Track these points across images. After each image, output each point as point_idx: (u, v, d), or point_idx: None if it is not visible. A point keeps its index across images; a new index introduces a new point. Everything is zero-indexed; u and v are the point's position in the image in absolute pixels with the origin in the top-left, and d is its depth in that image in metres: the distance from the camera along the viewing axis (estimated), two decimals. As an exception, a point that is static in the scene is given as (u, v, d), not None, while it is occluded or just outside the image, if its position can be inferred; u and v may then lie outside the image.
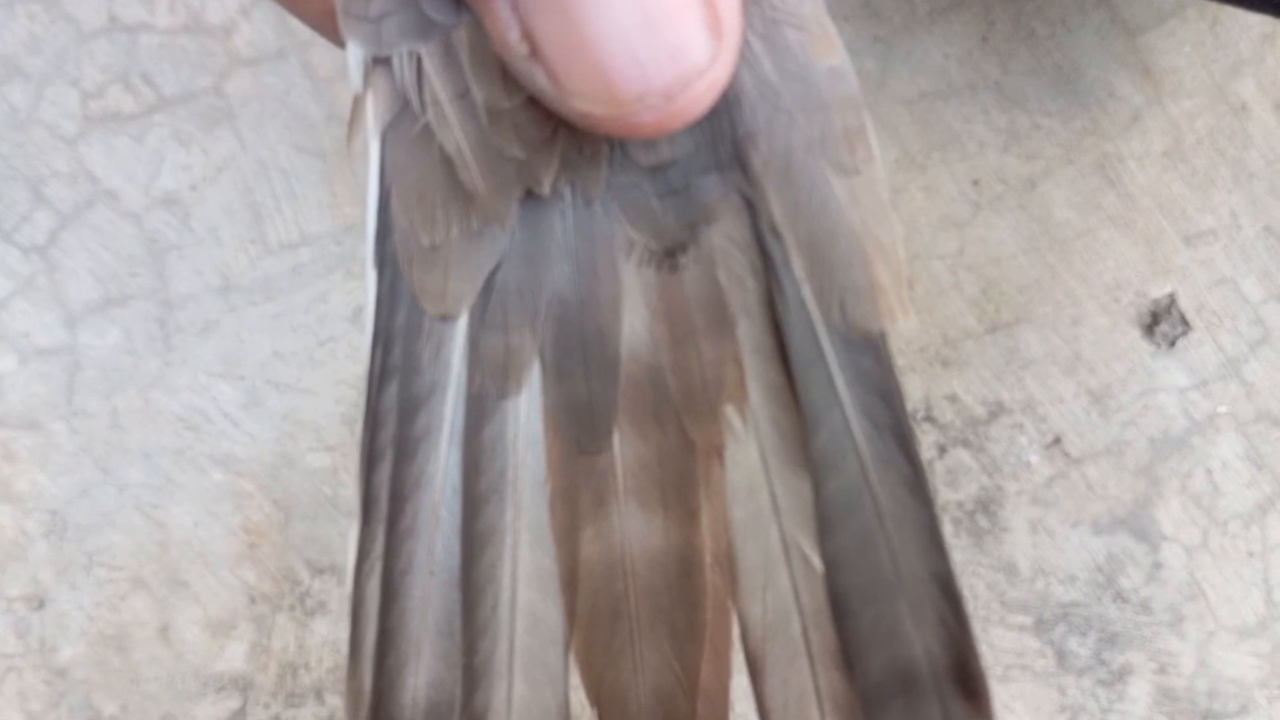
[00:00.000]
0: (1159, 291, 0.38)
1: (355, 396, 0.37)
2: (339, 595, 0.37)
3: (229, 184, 0.37)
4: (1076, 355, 0.38)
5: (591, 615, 0.21)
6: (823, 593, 0.20)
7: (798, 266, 0.20)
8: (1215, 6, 0.38)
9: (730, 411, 0.21)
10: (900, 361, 0.29)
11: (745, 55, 0.19)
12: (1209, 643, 0.37)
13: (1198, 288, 0.38)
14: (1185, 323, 0.38)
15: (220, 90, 0.38)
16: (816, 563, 0.20)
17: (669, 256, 0.21)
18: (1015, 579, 0.37)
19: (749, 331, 0.21)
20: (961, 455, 0.37)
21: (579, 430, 0.21)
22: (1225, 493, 0.38)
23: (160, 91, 0.37)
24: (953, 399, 0.37)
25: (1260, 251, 0.38)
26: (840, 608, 0.20)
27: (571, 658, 0.21)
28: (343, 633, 0.34)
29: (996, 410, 0.38)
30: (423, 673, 0.21)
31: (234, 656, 0.37)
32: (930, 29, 0.38)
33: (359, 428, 0.36)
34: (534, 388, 0.21)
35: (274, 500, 0.37)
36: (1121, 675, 0.37)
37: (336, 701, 0.37)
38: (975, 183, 0.38)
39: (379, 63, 0.19)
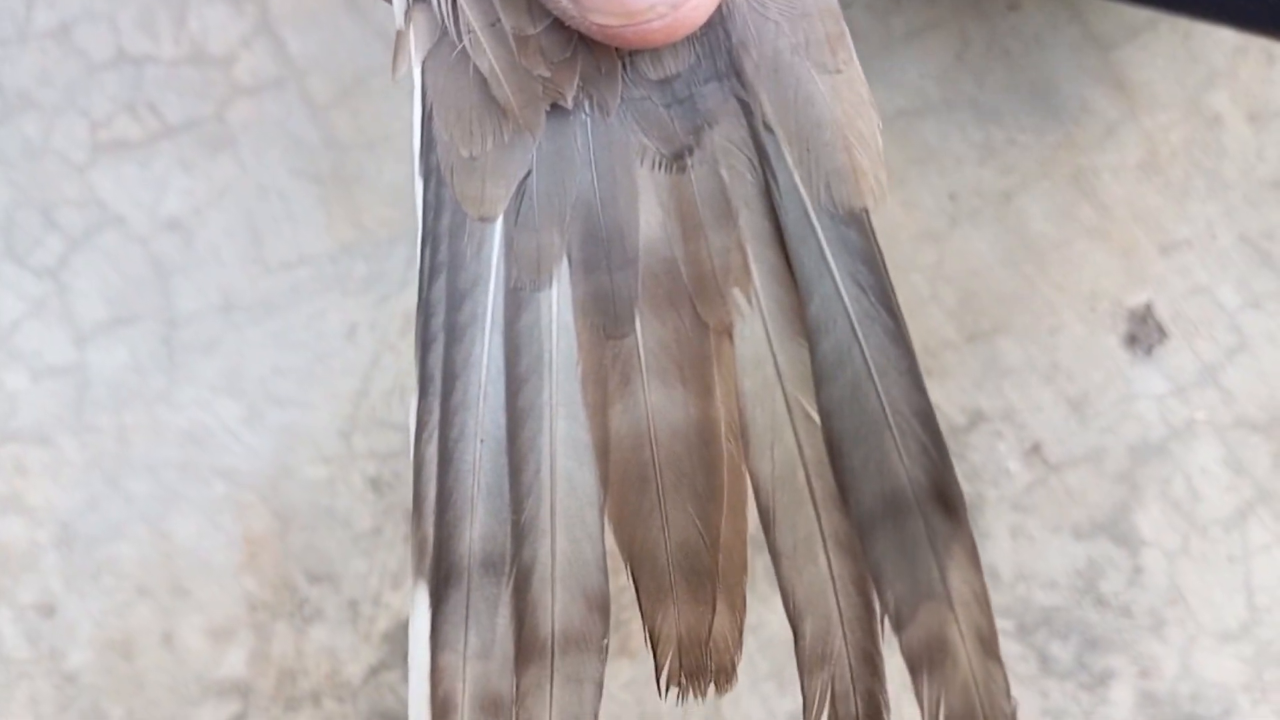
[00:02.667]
0: (1136, 300, 0.39)
1: (351, 410, 0.39)
2: (336, 603, 0.39)
3: (231, 207, 0.39)
4: (1055, 364, 0.39)
5: (623, 481, 0.24)
6: (822, 444, 0.24)
7: (789, 156, 0.23)
8: (1188, 21, 0.39)
9: (737, 294, 0.24)
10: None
11: None
12: (1191, 647, 0.38)
13: (1174, 296, 0.39)
14: (1162, 331, 0.39)
15: (222, 118, 0.40)
16: (816, 419, 0.24)
17: (677, 159, 0.24)
18: (997, 584, 0.38)
19: (750, 220, 0.24)
20: (941, 462, 0.38)
21: (604, 317, 0.24)
22: (1205, 498, 0.39)
23: (165, 120, 0.40)
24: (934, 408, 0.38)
25: (1236, 260, 0.39)
26: (835, 450, 0.24)
27: (606, 519, 0.24)
28: (340, 640, 0.38)
29: (976, 418, 0.39)
30: (477, 526, 0.24)
31: (235, 662, 0.38)
32: (907, 48, 0.40)
33: (355, 439, 0.39)
34: (563, 281, 0.24)
35: (274, 511, 0.39)
36: (1103, 679, 0.38)
37: (334, 706, 0.39)
38: (952, 197, 0.39)
39: (418, 1, 0.23)
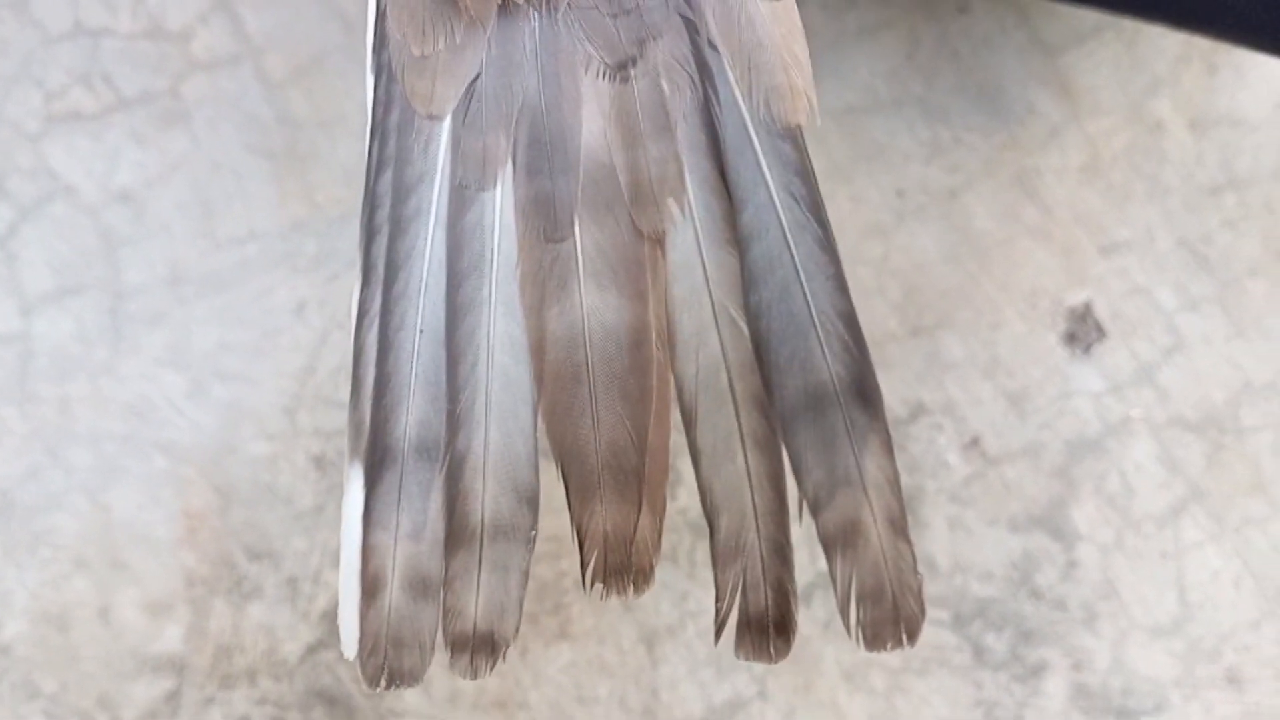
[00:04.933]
0: (1076, 299, 0.39)
1: (296, 388, 0.39)
2: (275, 581, 0.39)
3: (182, 182, 0.39)
4: (995, 359, 0.39)
5: (556, 380, 0.25)
6: (747, 350, 0.25)
7: (731, 72, 0.25)
8: (1133, 29, 0.40)
9: (671, 203, 0.25)
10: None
11: None
12: (1123, 641, 0.39)
13: (1113, 296, 0.39)
14: (1101, 330, 0.39)
15: (177, 93, 0.39)
16: (742, 324, 0.25)
17: (621, 69, 0.25)
18: (934, 575, 0.39)
19: (687, 133, 0.25)
20: (882, 453, 0.38)
21: (545, 220, 0.25)
22: (1139, 494, 0.39)
23: (120, 93, 0.39)
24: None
25: (1174, 263, 0.40)
26: (762, 348, 0.25)
27: (539, 416, 0.25)
28: (278, 618, 0.38)
29: (917, 411, 0.39)
30: (413, 412, 0.25)
31: (171, 638, 0.38)
32: (858, 46, 0.40)
33: (300, 416, 0.39)
34: (507, 183, 0.25)
35: (215, 487, 0.38)
36: (1037, 671, 0.39)
37: (269, 684, 0.39)
38: (899, 193, 0.40)
39: None
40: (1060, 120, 0.40)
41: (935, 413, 0.39)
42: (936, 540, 0.39)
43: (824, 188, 0.38)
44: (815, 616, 0.38)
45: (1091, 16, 0.40)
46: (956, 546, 0.39)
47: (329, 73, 0.40)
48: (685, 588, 0.38)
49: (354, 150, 0.39)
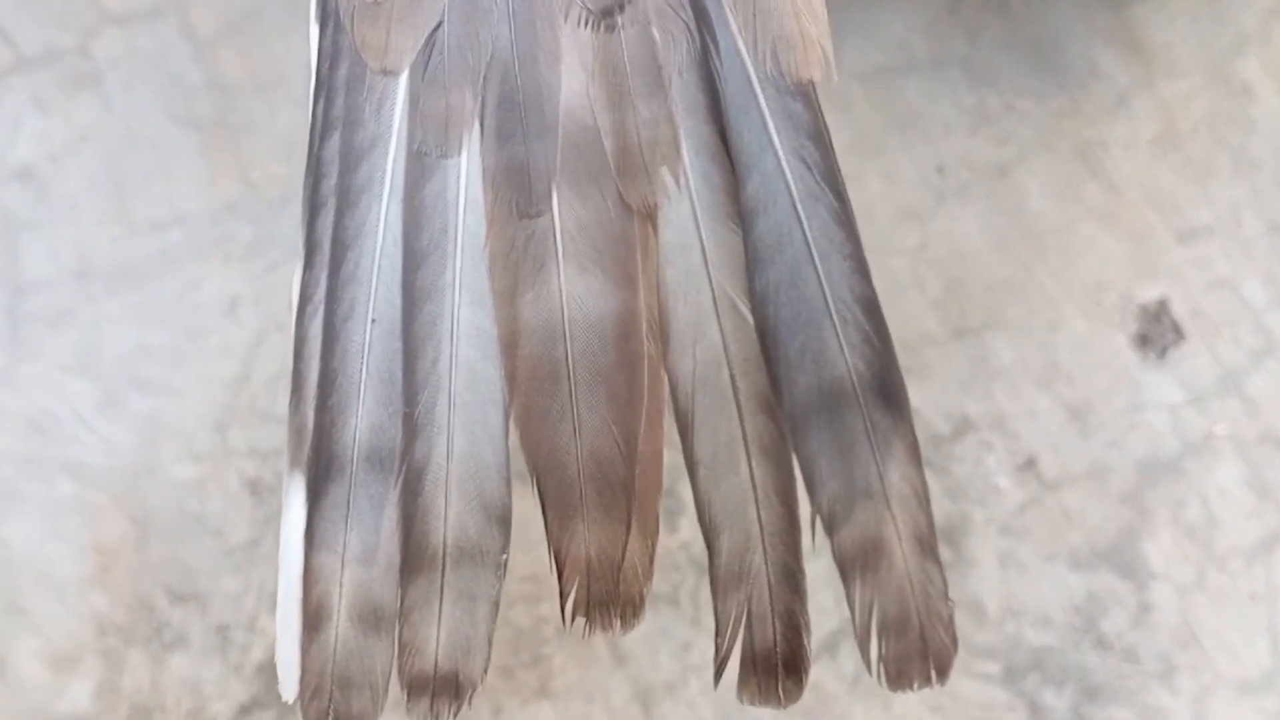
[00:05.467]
0: (1148, 294, 0.39)
1: (228, 399, 0.38)
2: (202, 628, 0.37)
3: (92, 155, 0.39)
4: (1053, 365, 0.38)
5: (531, 378, 0.24)
6: (752, 342, 0.25)
7: (733, 19, 0.25)
8: (1213, -24, 0.40)
9: (665, 172, 0.25)
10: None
11: None
12: (1206, 697, 0.37)
13: (1192, 291, 0.39)
14: (1178, 330, 0.38)
15: (86, 51, 0.39)
16: (746, 313, 0.25)
17: (606, 16, 0.24)
18: (982, 620, 0.37)
19: (682, 91, 0.25)
20: (921, 477, 0.38)
21: (518, 192, 0.24)
22: (1224, 524, 0.38)
23: (18, 50, 0.39)
24: (913, 413, 0.37)
25: (1264, 250, 0.39)
26: (768, 340, 0.25)
27: (510, 420, 0.24)
28: (205, 671, 0.37)
29: (962, 426, 0.39)
30: (364, 415, 0.25)
31: (78, 696, 0.37)
32: None
33: (232, 433, 0.38)
34: (474, 148, 0.24)
35: (131, 516, 0.37)
36: (1104, 734, 0.37)
37: (195, 751, 0.38)
38: (939, 169, 0.39)
39: None
40: (1129, 83, 0.39)
41: (983, 428, 0.38)
42: (984, 579, 0.37)
43: (849, 163, 0.39)
44: (842, 670, 0.36)
45: (1165, -38, 0.39)
46: (1008, 586, 0.37)
47: (266, 29, 0.39)
48: (688, 636, 0.37)
49: (296, 119, 0.39)
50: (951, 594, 0.36)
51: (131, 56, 0.38)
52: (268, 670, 0.37)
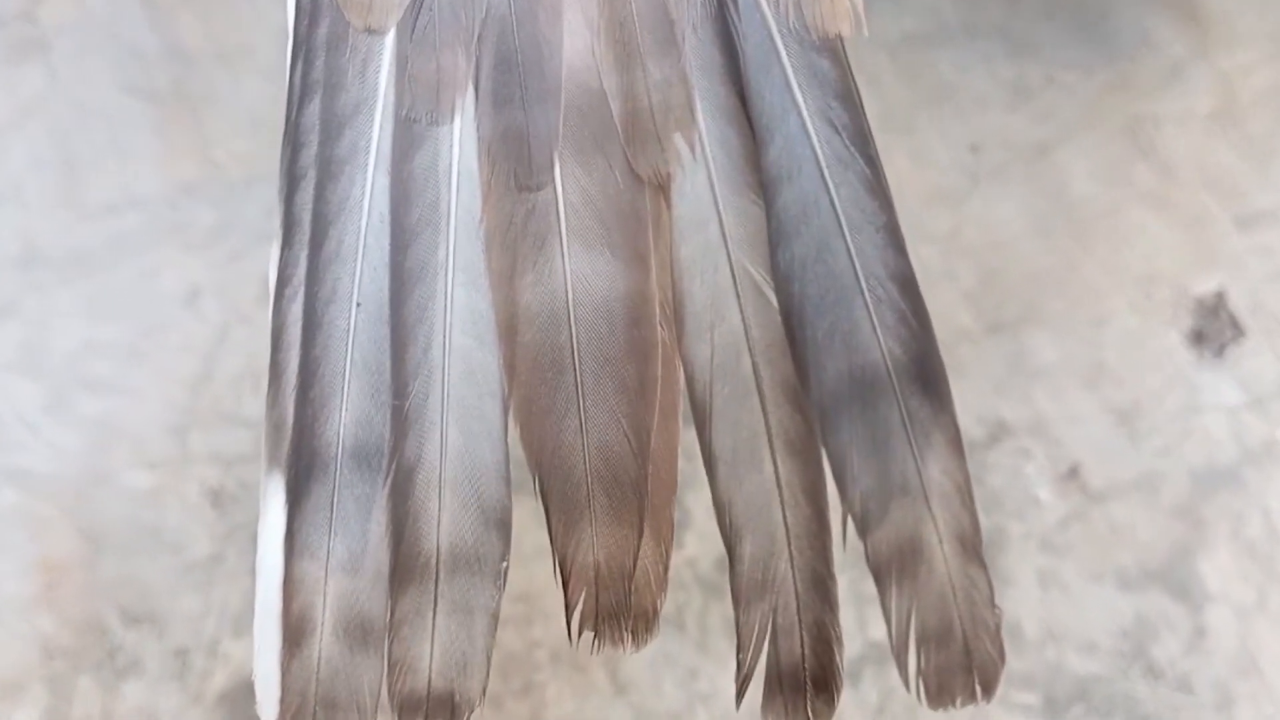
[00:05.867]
0: (1204, 287, 0.38)
1: (188, 400, 0.37)
2: (158, 652, 0.36)
3: (38, 131, 0.38)
4: (1099, 364, 0.38)
5: (532, 367, 0.24)
6: (775, 325, 0.24)
7: None
8: (1275, -64, 0.40)
9: (678, 139, 0.24)
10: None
11: None
12: None
13: (1253, 283, 0.38)
14: (1237, 326, 0.38)
15: (32, 16, 0.39)
16: (769, 292, 0.24)
17: None
18: (1020, 646, 0.37)
19: (697, 48, 0.24)
20: (953, 487, 0.37)
21: (516, 163, 0.24)
22: None
23: None
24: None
25: None
26: (794, 321, 0.24)
27: (510, 414, 0.24)
28: (162, 699, 0.36)
29: (998, 432, 0.38)
30: (349, 408, 0.24)
31: None
32: None
33: (192, 438, 0.37)
34: (468, 115, 0.24)
35: (80, 529, 0.37)
36: (1155, 773, 0.37)
37: (150, 787, 0.37)
38: (974, 148, 0.39)
39: None
40: (1184, 54, 0.39)
41: (1021, 434, 0.37)
42: (1024, 600, 0.37)
43: (876, 141, 0.37)
44: (865, 700, 0.36)
45: (1224, -79, 0.39)
46: (1050, 609, 0.37)
47: None
48: (694, 662, 0.36)
49: (262, 91, 0.39)
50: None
51: (82, 22, 0.38)
52: (230, 698, 0.36)
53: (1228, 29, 0.38)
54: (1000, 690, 0.35)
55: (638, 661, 0.35)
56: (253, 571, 0.37)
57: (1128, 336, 0.38)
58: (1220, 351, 0.38)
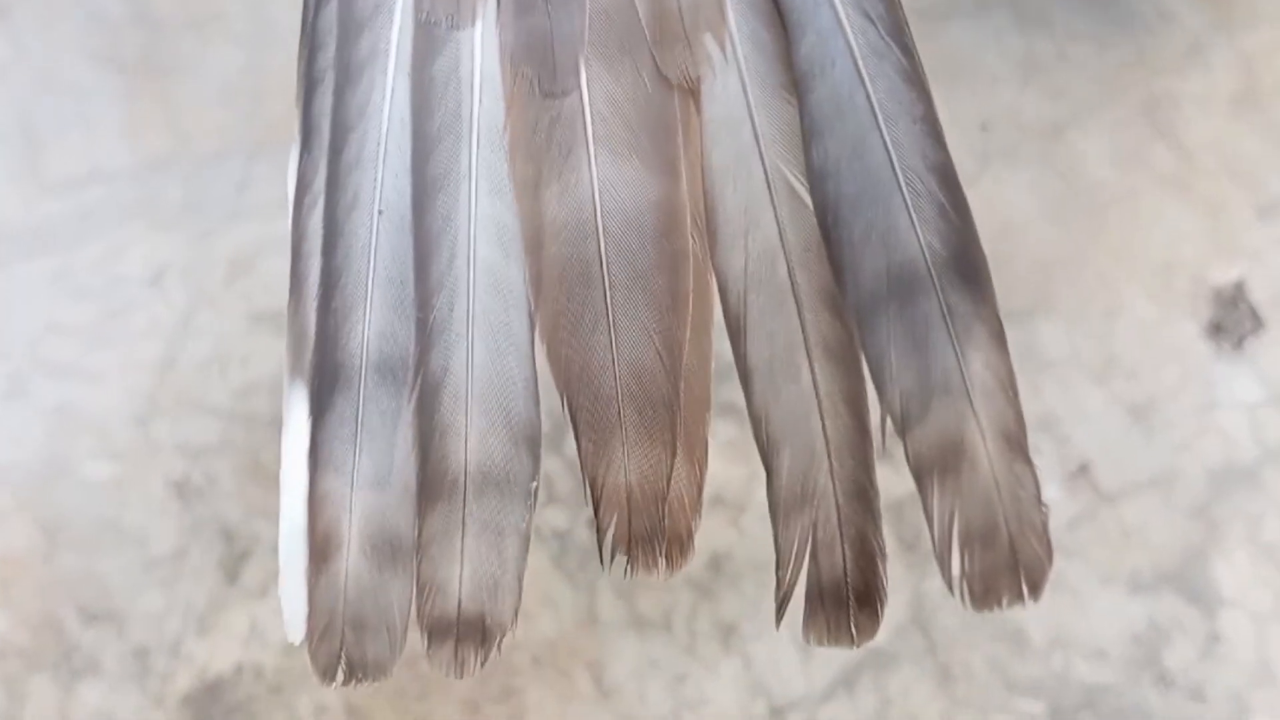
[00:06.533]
0: (1223, 276, 0.38)
1: (152, 386, 0.37)
2: (118, 651, 0.36)
3: (0, 101, 0.38)
4: (1111, 357, 0.37)
5: (559, 281, 0.24)
6: (811, 228, 0.24)
7: None
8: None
9: (708, 40, 0.24)
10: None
11: None
12: None
13: (1273, 273, 0.38)
14: (1257, 318, 0.37)
15: None
16: (804, 194, 0.24)
17: None
18: (1024, 651, 0.36)
19: None
20: (956, 485, 0.36)
21: (541, 68, 0.24)
22: None
23: None
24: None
25: None
26: (829, 221, 0.24)
27: (536, 329, 0.24)
28: (121, 701, 0.36)
29: None
30: (373, 320, 0.24)
31: None
32: None
33: (156, 426, 0.36)
34: (489, 18, 0.24)
35: (38, 522, 0.36)
36: (1166, 786, 0.36)
37: (109, 794, 0.36)
38: (984, 126, 0.38)
39: None
40: (1204, 30, 0.39)
41: (1029, 430, 0.36)
42: (1030, 604, 0.35)
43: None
44: (862, 707, 0.35)
45: (1248, -109, 0.39)
46: (1057, 613, 0.36)
47: None
48: (682, 666, 0.36)
49: (232, 60, 0.38)
50: (989, 622, 0.36)
51: None
52: (195, 701, 0.36)
53: (1249, 6, 0.38)
54: (1004, 697, 0.35)
55: (622, 667, 0.34)
56: (216, 566, 0.37)
57: (1142, 328, 0.37)
58: (1239, 344, 0.37)
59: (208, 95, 0.38)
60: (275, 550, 0.36)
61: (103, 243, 0.37)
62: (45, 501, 0.36)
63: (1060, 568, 0.34)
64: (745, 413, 0.26)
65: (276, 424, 0.37)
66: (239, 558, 0.35)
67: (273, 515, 0.35)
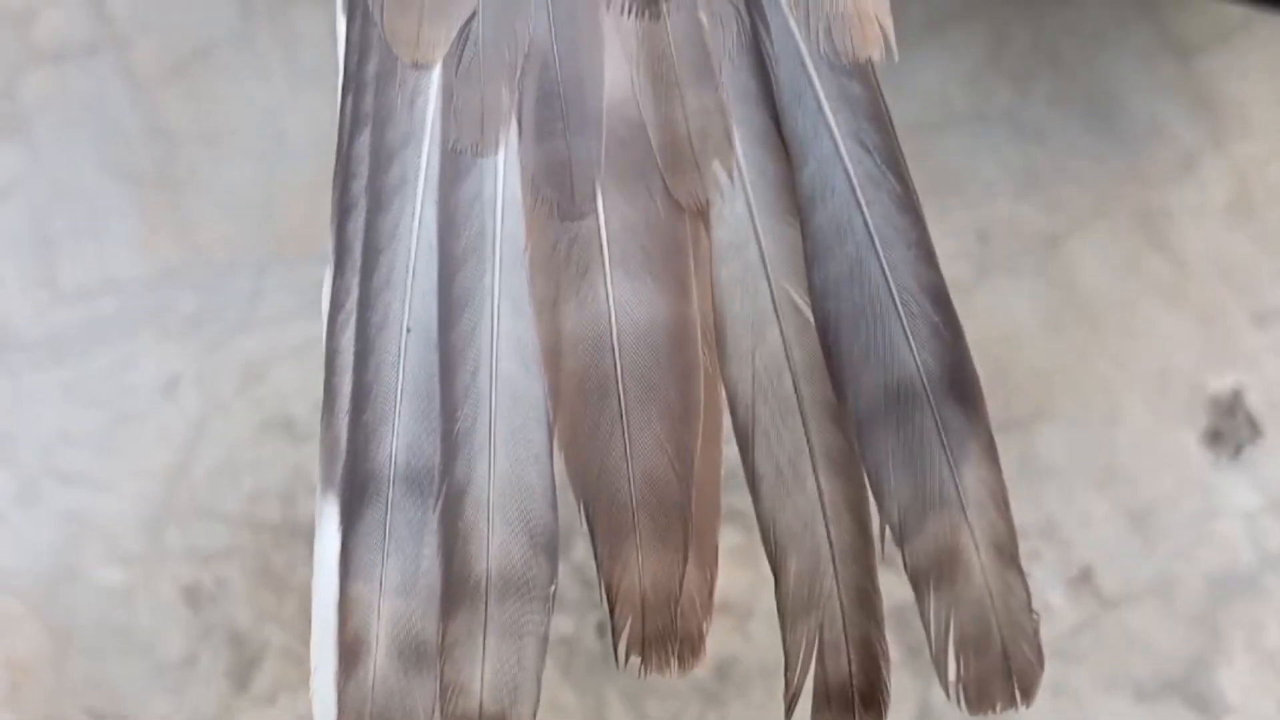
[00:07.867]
0: (1220, 384, 0.38)
1: (163, 493, 0.37)
2: None
3: (15, 211, 0.38)
4: (1111, 465, 0.38)
5: (577, 393, 0.25)
6: (814, 344, 0.25)
7: None
8: (1292, 24, 0.41)
9: (716, 166, 0.26)
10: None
11: None
12: None
13: (1271, 381, 0.38)
14: (1254, 426, 0.38)
15: (12, 92, 0.39)
16: (807, 312, 0.25)
17: (651, 3, 0.25)
18: None
19: (734, 77, 0.26)
20: (959, 591, 0.37)
21: (559, 193, 0.25)
22: None
23: None
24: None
25: None
26: (830, 337, 0.25)
27: (555, 439, 0.25)
28: None
29: None
30: (401, 433, 0.25)
31: None
32: (926, 43, 0.40)
33: (168, 533, 0.37)
34: (512, 146, 0.25)
35: (48, 626, 0.36)
36: None
37: None
38: (981, 237, 0.39)
39: None
40: (1197, 144, 0.39)
41: (1031, 537, 0.37)
42: (1033, 711, 0.33)
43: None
44: None
45: (1238, 10, 0.39)
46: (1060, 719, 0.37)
47: (217, 69, 0.40)
48: None
49: (246, 173, 0.39)
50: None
51: (63, 99, 0.38)
52: None
53: (1242, 120, 0.39)
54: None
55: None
56: (224, 674, 0.37)
57: (1141, 435, 0.38)
58: (1237, 453, 0.38)
59: (220, 208, 0.38)
60: (285, 656, 0.37)
61: (114, 352, 0.38)
62: (55, 607, 0.36)
63: (1064, 674, 0.36)
64: (749, 519, 0.27)
65: (288, 530, 0.38)
66: (249, 664, 0.35)
67: (283, 621, 0.37)
